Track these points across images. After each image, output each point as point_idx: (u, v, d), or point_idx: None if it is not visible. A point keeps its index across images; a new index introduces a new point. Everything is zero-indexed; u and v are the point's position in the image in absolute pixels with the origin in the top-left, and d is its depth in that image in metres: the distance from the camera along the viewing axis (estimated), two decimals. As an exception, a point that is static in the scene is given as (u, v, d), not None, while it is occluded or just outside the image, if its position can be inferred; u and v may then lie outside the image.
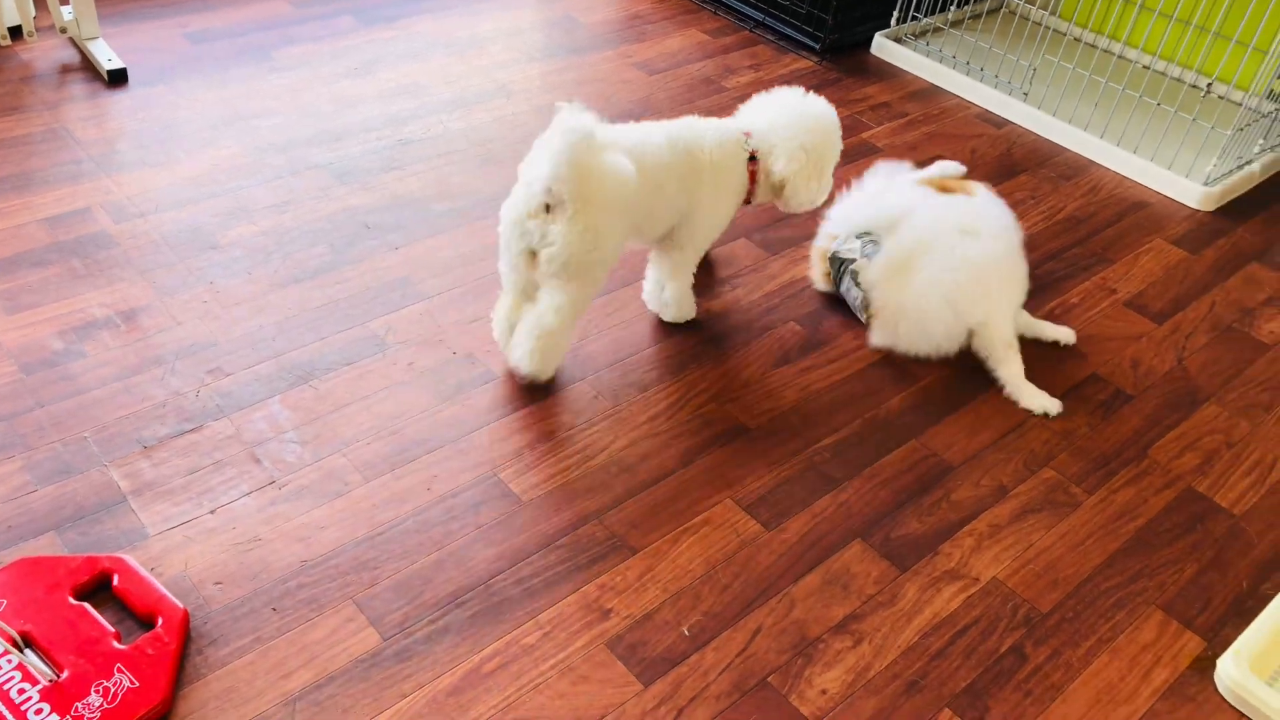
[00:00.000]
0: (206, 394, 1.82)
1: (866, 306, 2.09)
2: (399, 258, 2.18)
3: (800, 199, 2.03)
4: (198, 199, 2.27)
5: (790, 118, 2.00)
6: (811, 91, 2.09)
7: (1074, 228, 2.54)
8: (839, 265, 2.14)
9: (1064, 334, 2.17)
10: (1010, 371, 2.02)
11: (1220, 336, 2.24)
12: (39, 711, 1.30)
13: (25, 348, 1.86)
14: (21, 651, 1.36)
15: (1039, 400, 1.99)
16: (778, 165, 1.98)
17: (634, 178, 1.78)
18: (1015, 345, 2.03)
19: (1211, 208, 2.66)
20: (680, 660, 1.50)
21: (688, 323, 2.10)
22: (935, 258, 2.00)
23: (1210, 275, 2.42)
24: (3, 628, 1.37)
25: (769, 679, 1.49)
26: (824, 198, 2.07)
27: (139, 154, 2.38)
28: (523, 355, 1.85)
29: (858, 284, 2.10)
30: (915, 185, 2.15)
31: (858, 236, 2.14)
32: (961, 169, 2.15)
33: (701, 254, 2.06)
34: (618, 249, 1.83)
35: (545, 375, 1.90)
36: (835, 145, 2.06)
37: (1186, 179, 2.66)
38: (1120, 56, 3.22)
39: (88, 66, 2.67)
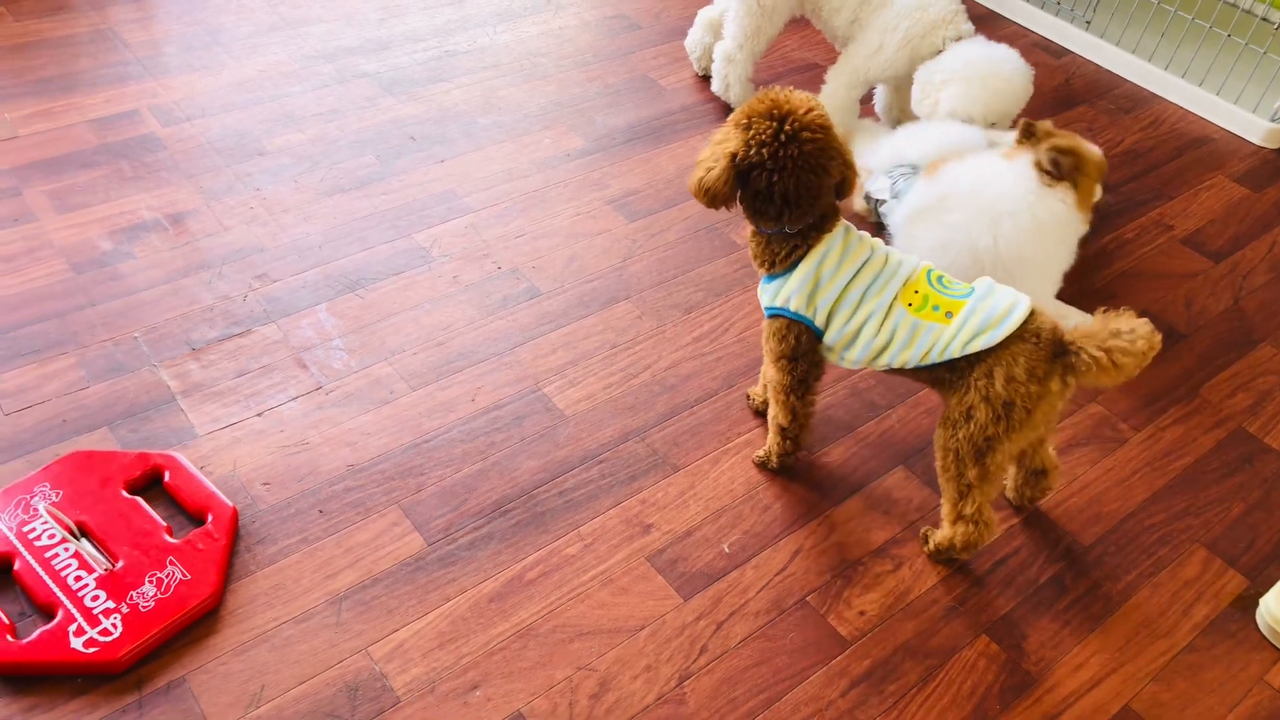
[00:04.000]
0: (254, 299, 1.82)
1: None
2: (444, 170, 2.16)
3: (919, 108, 2.23)
4: (245, 105, 2.25)
5: (980, 62, 2.14)
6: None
7: (1132, 161, 2.48)
8: (873, 203, 2.10)
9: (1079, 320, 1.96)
10: None
11: (1279, 277, 2.18)
12: (95, 598, 1.33)
13: (75, 247, 1.87)
14: (78, 540, 1.39)
15: None
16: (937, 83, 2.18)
17: None
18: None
19: (1277, 145, 2.57)
20: (719, 576, 1.51)
21: (733, 246, 2.07)
22: (960, 222, 1.82)
23: (1272, 214, 2.36)
24: (60, 516, 1.40)
25: (807, 598, 1.50)
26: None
27: (186, 58, 2.36)
28: (714, 80, 2.44)
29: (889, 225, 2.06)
30: (972, 128, 2.06)
31: (888, 173, 2.07)
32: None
33: (856, 85, 2.32)
34: (773, 7, 2.28)
35: (734, 100, 2.41)
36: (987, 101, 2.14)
37: (1253, 115, 2.57)
38: (1189, -14, 3.10)
39: (134, -32, 2.64)
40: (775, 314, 1.49)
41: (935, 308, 1.41)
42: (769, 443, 1.63)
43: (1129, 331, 1.34)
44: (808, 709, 1.37)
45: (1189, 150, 2.54)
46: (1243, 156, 2.53)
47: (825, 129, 1.38)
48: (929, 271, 1.45)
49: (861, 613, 1.49)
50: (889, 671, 1.42)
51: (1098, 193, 1.87)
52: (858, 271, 1.44)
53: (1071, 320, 1.93)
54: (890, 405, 1.79)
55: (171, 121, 2.18)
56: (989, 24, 2.92)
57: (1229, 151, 2.54)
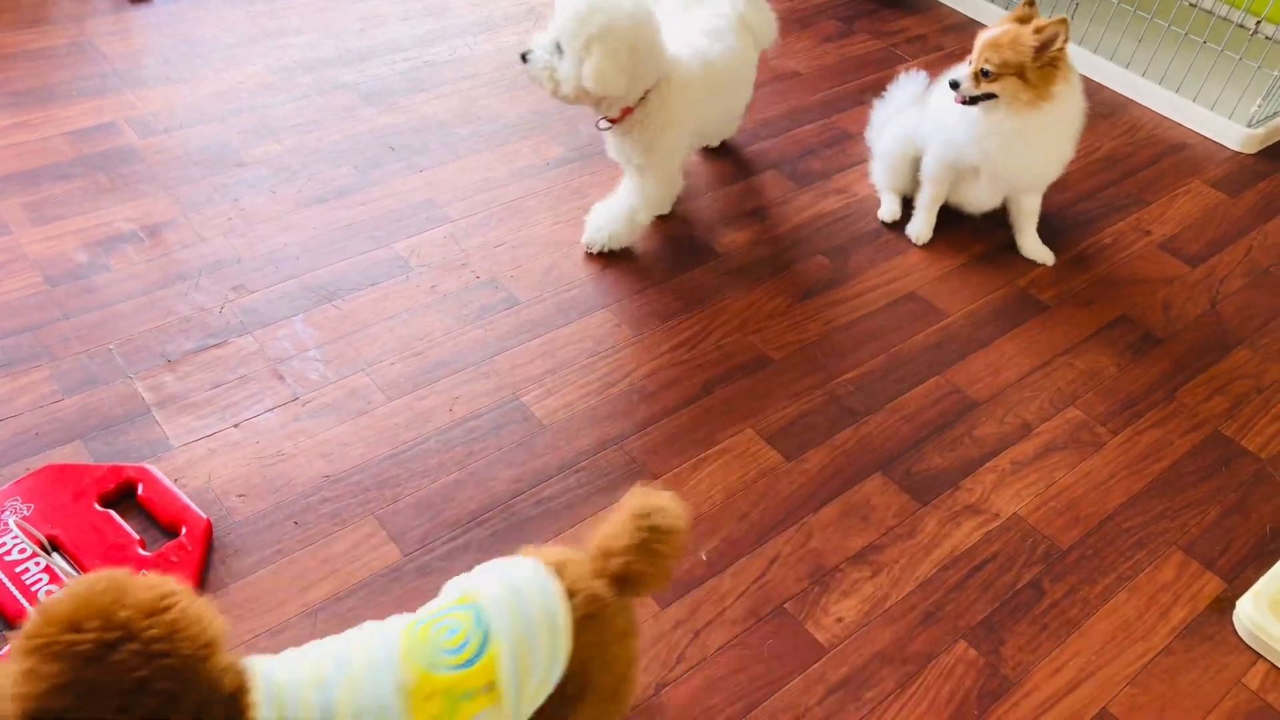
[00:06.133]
0: (230, 310, 1.82)
1: None
2: (423, 180, 2.16)
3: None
4: (223, 116, 2.25)
5: None
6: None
7: (1110, 167, 2.49)
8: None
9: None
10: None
11: (1256, 281, 2.19)
12: (66, 612, 1.32)
13: (50, 260, 1.86)
14: (49, 554, 1.38)
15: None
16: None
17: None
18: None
19: (1254, 150, 2.59)
20: (698, 585, 1.50)
21: (713, 254, 2.08)
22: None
23: (1249, 219, 2.37)
24: (31, 530, 1.39)
25: (785, 606, 1.49)
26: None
27: (164, 69, 2.36)
28: None
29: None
30: None
31: None
32: None
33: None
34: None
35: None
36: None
37: (1229, 120, 2.59)
38: (1166, -7, 3.11)
39: (112, -20, 2.64)
40: None
41: (465, 695, 0.98)
42: None
43: (648, 515, 1.08)
44: (785, 716, 1.37)
45: (1166, 156, 2.55)
46: (1219, 162, 2.55)
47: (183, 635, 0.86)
48: (418, 648, 1.00)
49: (839, 619, 1.48)
50: (867, 678, 1.42)
51: None
52: None
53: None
54: (869, 411, 1.79)
55: (149, 133, 2.17)
56: (966, 30, 2.94)
57: (1205, 157, 2.56)
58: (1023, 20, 1.91)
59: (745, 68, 2.12)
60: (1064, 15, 1.88)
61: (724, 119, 2.25)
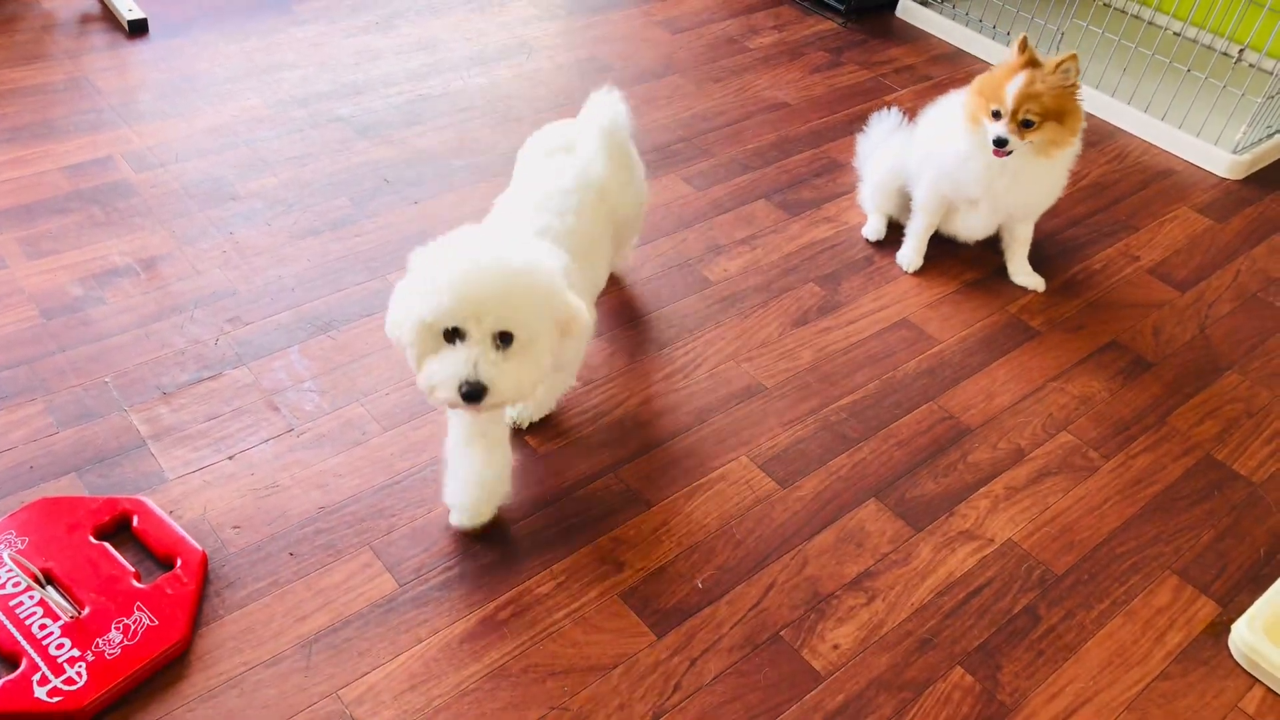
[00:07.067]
0: (225, 342, 1.82)
1: None
2: (418, 212, 2.17)
3: None
4: (218, 150, 2.26)
5: None
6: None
7: (1098, 194, 2.51)
8: None
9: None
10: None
11: (1244, 305, 2.21)
12: (60, 646, 1.31)
13: (46, 293, 1.87)
14: (43, 588, 1.38)
15: None
16: None
17: None
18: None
19: (1240, 176, 2.62)
20: (693, 612, 1.50)
21: (705, 283, 2.09)
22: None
23: (1236, 244, 2.40)
24: (25, 564, 1.39)
25: (781, 633, 1.49)
26: None
27: (160, 104, 2.38)
28: None
29: None
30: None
31: None
32: None
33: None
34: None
35: None
36: None
37: (1215, 146, 2.62)
38: (1150, 23, 3.16)
39: (108, 16, 2.66)
40: None
41: None
42: None
43: None
44: (782, 745, 1.36)
45: (1154, 182, 2.58)
46: (1206, 188, 2.58)
47: None
48: None
49: (835, 646, 1.48)
50: (863, 706, 1.42)
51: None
52: None
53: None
54: (863, 438, 1.80)
55: (145, 167, 2.19)
56: (954, 61, 2.97)
57: (1193, 183, 2.59)
58: (1032, 64, 1.93)
59: (596, 241, 1.69)
60: (1058, 48, 1.91)
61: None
